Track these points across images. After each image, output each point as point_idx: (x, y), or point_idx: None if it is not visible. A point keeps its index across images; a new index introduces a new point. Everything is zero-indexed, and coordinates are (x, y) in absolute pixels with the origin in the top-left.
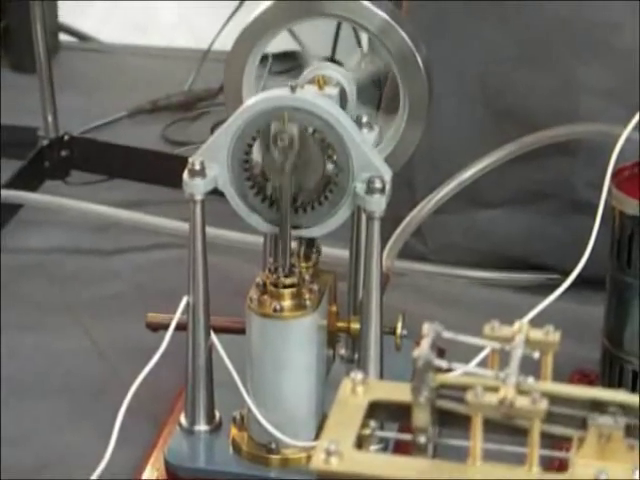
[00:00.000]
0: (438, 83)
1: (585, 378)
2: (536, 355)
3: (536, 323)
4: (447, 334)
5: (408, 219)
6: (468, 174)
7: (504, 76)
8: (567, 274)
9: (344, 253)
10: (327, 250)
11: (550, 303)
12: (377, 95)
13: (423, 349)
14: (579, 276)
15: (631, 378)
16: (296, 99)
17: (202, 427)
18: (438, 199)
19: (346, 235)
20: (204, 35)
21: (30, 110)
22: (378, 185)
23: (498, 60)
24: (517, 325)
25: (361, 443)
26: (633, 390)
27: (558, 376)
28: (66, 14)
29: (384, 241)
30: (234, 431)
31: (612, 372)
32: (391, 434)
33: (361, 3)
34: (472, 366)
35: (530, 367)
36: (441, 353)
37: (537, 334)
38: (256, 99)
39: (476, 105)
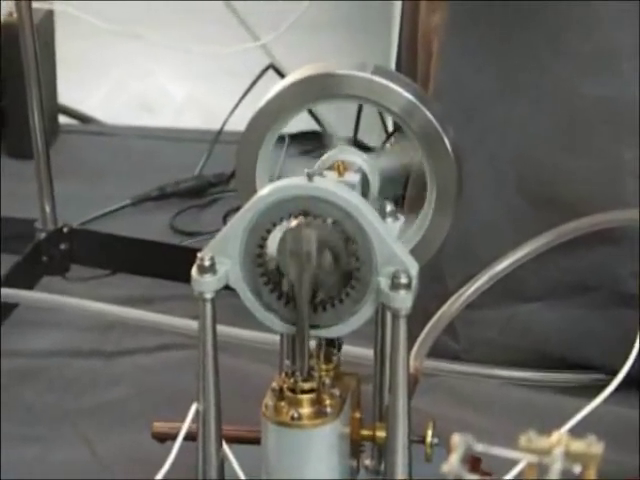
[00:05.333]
0: (469, 167)
1: None
2: (577, 469)
3: (580, 427)
4: (479, 446)
5: (438, 315)
6: (503, 265)
7: (540, 159)
8: (613, 374)
9: (368, 352)
10: (350, 349)
11: (595, 406)
12: (403, 181)
13: (452, 464)
14: (627, 376)
15: None
16: (313, 188)
17: None
18: (471, 293)
19: (371, 331)
20: (216, 115)
21: (28, 199)
22: (404, 280)
23: (533, 142)
24: (555, 436)
25: None
26: None
27: None
28: (66, 95)
29: (412, 339)
30: None
31: None
32: None
33: (384, 83)
34: None
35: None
36: (476, 463)
37: (578, 446)
38: (270, 188)
39: (510, 190)
